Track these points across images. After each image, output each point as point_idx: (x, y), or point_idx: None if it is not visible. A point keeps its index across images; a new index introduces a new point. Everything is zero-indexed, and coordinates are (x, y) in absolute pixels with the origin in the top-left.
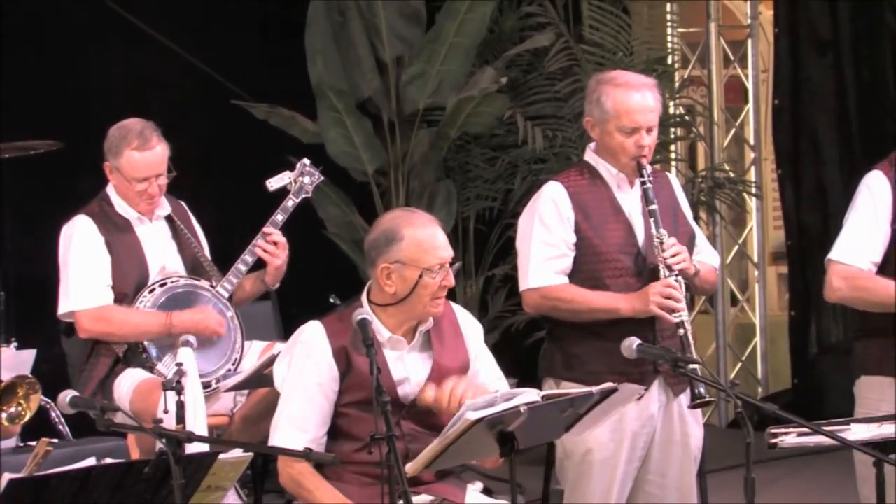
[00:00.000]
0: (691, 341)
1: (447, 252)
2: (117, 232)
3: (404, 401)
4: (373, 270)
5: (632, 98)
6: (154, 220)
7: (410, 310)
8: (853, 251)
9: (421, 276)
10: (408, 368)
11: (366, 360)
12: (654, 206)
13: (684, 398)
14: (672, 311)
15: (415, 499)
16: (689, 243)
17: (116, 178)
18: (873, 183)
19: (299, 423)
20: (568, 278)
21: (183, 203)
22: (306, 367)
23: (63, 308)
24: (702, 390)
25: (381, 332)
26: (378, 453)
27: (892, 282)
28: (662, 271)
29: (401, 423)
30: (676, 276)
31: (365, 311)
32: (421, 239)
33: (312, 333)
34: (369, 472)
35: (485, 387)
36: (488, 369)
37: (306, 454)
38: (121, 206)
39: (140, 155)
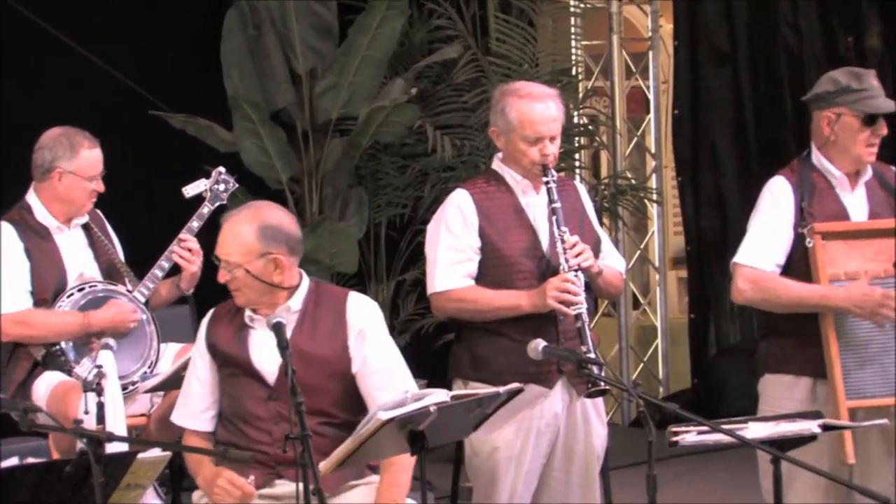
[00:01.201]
0: (588, 333)
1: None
2: (37, 239)
3: (267, 381)
4: None
5: (535, 108)
6: (72, 227)
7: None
8: (758, 254)
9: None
10: (270, 348)
11: (227, 333)
12: (557, 205)
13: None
14: (569, 304)
15: (287, 488)
16: (595, 248)
17: (69, 182)
18: (776, 188)
19: (183, 397)
20: (475, 282)
21: (98, 211)
22: (194, 358)
23: None
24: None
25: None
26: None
27: (796, 283)
28: (563, 266)
29: (274, 406)
30: (575, 272)
31: (278, 316)
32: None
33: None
34: (260, 459)
35: None
36: (379, 361)
37: (223, 453)
38: (41, 215)
39: (93, 152)
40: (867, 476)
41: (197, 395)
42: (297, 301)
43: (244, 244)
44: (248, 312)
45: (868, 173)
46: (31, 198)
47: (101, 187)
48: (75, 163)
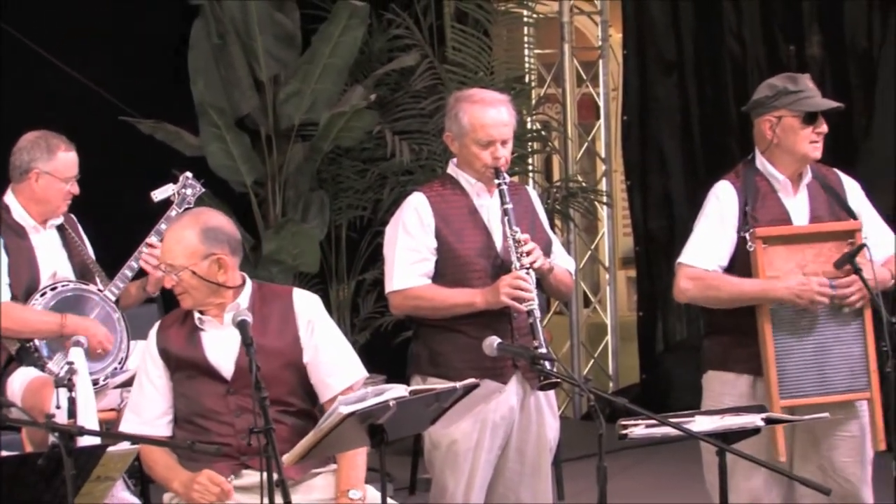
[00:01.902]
0: (540, 329)
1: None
2: (14, 237)
3: (224, 376)
4: None
5: (487, 114)
6: (47, 228)
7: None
8: (702, 254)
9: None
10: (222, 345)
11: (179, 337)
12: (509, 206)
13: (541, 392)
14: (522, 300)
15: (253, 479)
16: (546, 249)
17: (45, 183)
18: (721, 192)
19: (134, 409)
20: (431, 280)
21: (72, 215)
22: (146, 365)
23: None
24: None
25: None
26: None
27: (738, 278)
28: (515, 265)
29: (227, 397)
30: (527, 270)
31: (245, 314)
32: None
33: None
34: (226, 451)
35: None
36: (331, 361)
37: (189, 446)
38: (18, 214)
39: (69, 155)
40: (794, 468)
41: (152, 402)
42: (244, 299)
43: (188, 247)
44: (197, 315)
45: (809, 176)
46: (9, 198)
47: (75, 189)
48: (52, 164)
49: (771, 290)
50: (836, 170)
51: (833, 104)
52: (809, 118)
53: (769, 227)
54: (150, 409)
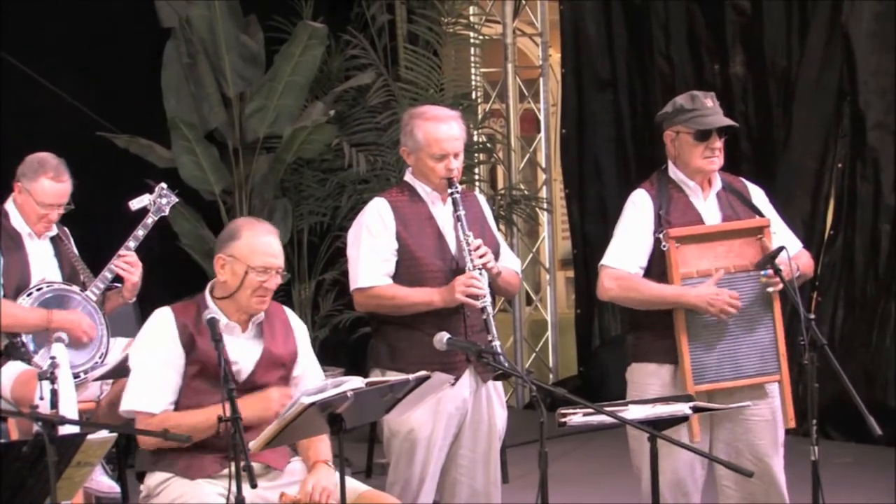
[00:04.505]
0: (493, 324)
1: (275, 260)
2: (9, 242)
3: (237, 378)
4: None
5: (440, 129)
6: (42, 238)
7: (239, 302)
8: (622, 257)
9: (246, 273)
10: (242, 351)
11: (206, 340)
12: (461, 212)
13: (492, 384)
14: (476, 297)
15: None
16: (495, 252)
17: (24, 198)
18: (638, 199)
19: (150, 392)
20: (392, 280)
21: (66, 228)
22: (157, 346)
23: None
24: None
25: (221, 318)
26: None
27: (655, 283)
28: (468, 266)
29: (235, 401)
30: (480, 270)
31: (213, 311)
32: (254, 242)
33: (163, 317)
34: (208, 442)
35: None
36: (312, 367)
37: (163, 434)
38: (16, 221)
39: (52, 185)
40: (712, 449)
41: (167, 382)
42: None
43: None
44: (225, 320)
45: (718, 184)
46: (9, 205)
47: (54, 216)
48: (32, 185)
49: (684, 296)
50: (741, 178)
51: (727, 122)
52: (702, 135)
53: (681, 227)
54: (165, 387)
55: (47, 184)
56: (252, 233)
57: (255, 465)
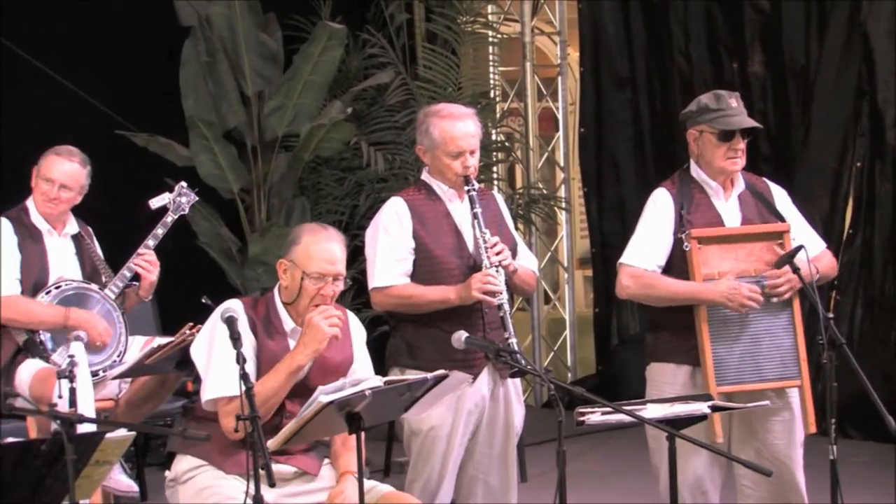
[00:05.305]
0: (510, 320)
1: (333, 267)
2: (29, 238)
3: (296, 384)
4: None
5: (456, 127)
6: (62, 235)
7: (298, 310)
8: (641, 255)
9: (303, 279)
10: None
11: (269, 342)
12: (478, 210)
13: (510, 382)
14: (493, 294)
15: (277, 467)
16: (512, 250)
17: (35, 183)
18: (659, 198)
19: (229, 377)
20: (409, 279)
21: (89, 227)
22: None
23: None
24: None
25: (287, 322)
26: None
27: (674, 280)
28: (485, 264)
29: (285, 403)
30: (497, 267)
31: (232, 310)
32: (312, 248)
33: (236, 310)
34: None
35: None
36: (366, 369)
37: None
38: (36, 218)
39: (58, 160)
40: (732, 450)
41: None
42: None
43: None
44: (293, 325)
45: (741, 185)
46: (30, 202)
47: (54, 194)
48: (42, 163)
49: (703, 292)
50: (764, 179)
51: (751, 123)
52: (725, 136)
53: (703, 228)
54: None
55: (54, 158)
56: (312, 239)
57: (289, 469)
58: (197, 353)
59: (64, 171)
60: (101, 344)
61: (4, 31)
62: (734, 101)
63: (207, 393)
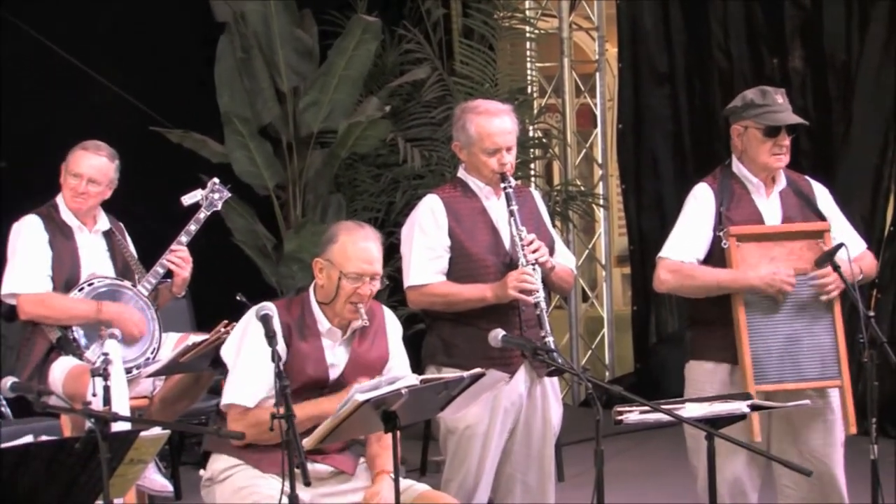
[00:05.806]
0: (546, 319)
1: (370, 267)
2: (59, 235)
3: (331, 382)
4: None
5: (492, 123)
6: (93, 232)
7: (335, 309)
8: (680, 248)
9: (340, 278)
10: (337, 356)
11: (303, 344)
12: (515, 207)
13: (548, 380)
14: (529, 293)
15: (314, 466)
16: (550, 248)
17: (64, 179)
18: (699, 193)
19: (247, 386)
20: (445, 277)
21: (121, 224)
22: (260, 342)
23: (6, 289)
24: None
25: (323, 322)
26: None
27: (712, 269)
28: (522, 261)
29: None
30: (533, 265)
31: (268, 307)
32: (349, 248)
33: (272, 308)
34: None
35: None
36: (402, 367)
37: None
38: (66, 214)
39: (85, 154)
40: (772, 450)
41: (265, 378)
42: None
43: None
44: (328, 326)
45: (783, 182)
46: (59, 198)
47: (82, 188)
48: (68, 158)
49: (742, 278)
50: (807, 177)
51: (797, 119)
52: (771, 131)
53: (743, 225)
54: (261, 383)
55: (81, 153)
56: (349, 238)
57: (325, 469)
58: (227, 352)
59: (91, 166)
60: (138, 334)
61: (40, 29)
62: (780, 98)
63: (225, 397)
